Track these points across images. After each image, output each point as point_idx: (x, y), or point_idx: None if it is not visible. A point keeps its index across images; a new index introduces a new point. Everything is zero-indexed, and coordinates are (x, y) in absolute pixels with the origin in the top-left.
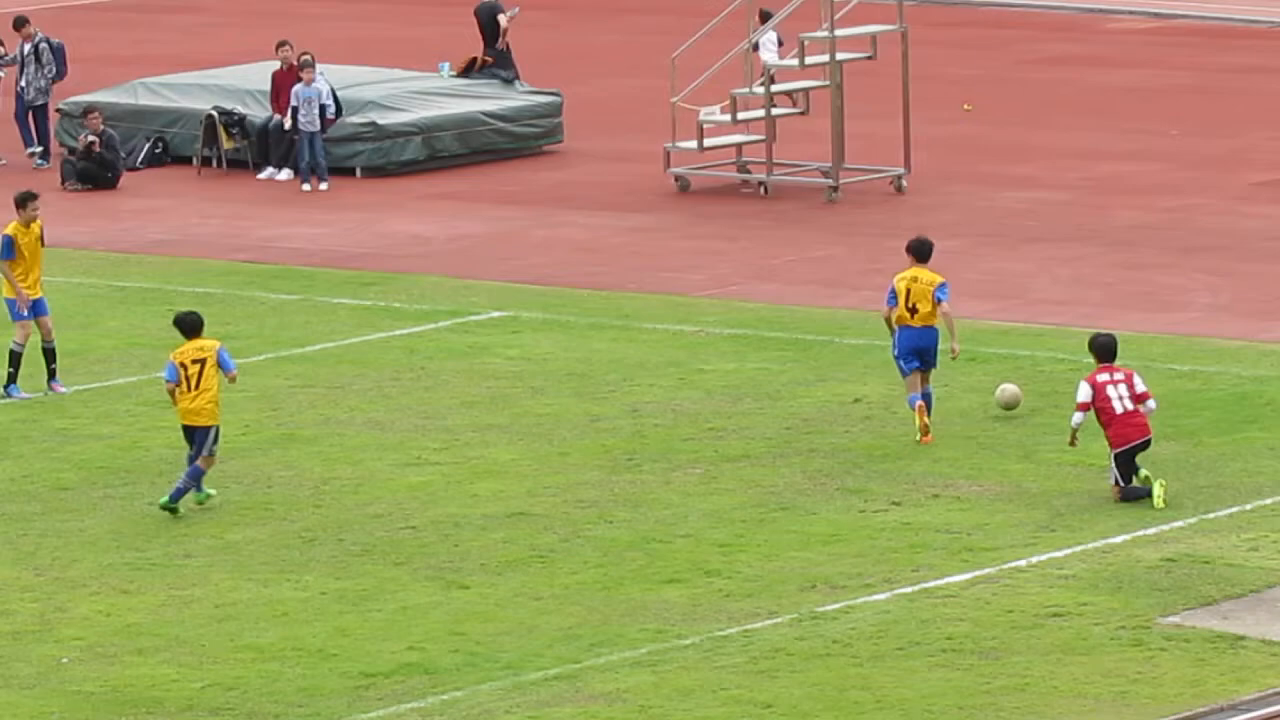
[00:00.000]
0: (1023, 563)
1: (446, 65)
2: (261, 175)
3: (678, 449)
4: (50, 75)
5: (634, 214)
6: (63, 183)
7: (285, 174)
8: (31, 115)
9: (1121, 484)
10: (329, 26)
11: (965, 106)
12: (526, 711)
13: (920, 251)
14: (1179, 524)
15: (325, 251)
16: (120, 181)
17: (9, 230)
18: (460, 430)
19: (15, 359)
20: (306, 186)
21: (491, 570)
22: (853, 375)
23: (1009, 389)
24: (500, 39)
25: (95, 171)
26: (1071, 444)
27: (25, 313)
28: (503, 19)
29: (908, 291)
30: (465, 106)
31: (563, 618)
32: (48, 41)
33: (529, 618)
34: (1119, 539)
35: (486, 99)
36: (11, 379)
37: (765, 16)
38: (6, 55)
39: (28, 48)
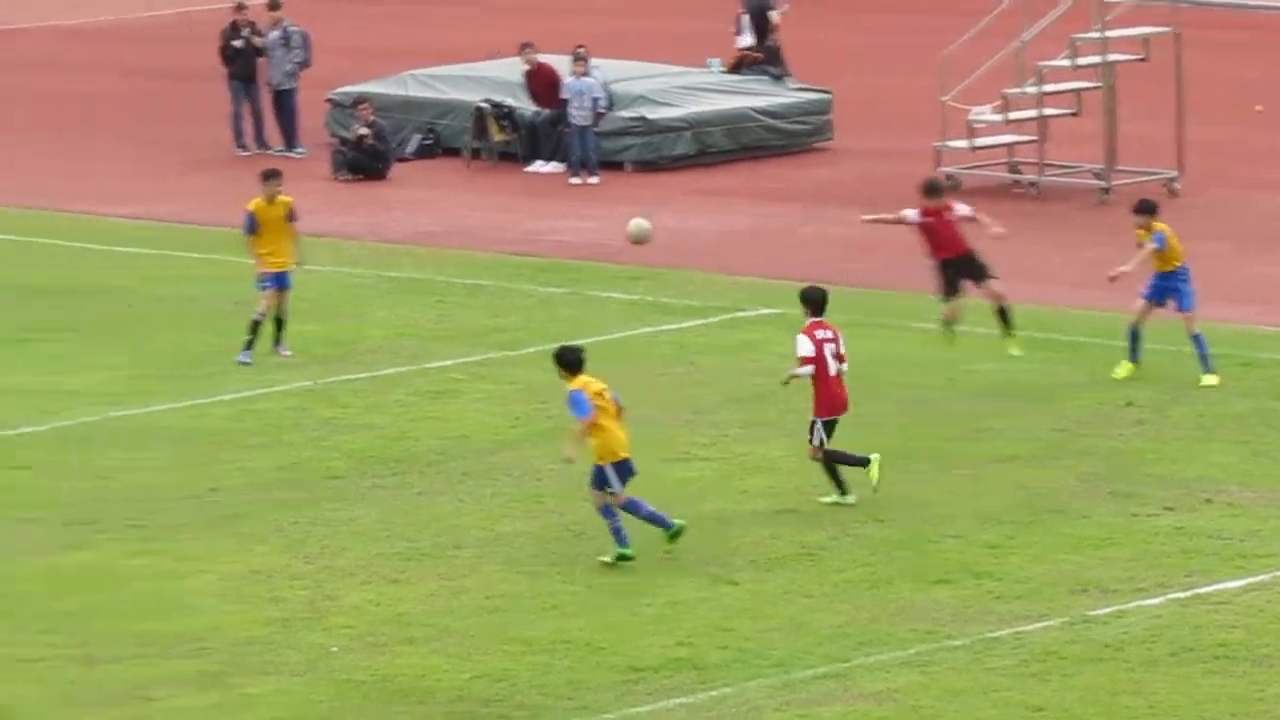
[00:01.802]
0: None
1: (717, 61)
2: (530, 168)
3: (946, 449)
4: (298, 60)
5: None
6: (333, 173)
7: (554, 167)
8: (277, 100)
9: (825, 445)
10: (595, 20)
11: (1257, 108)
12: (795, 710)
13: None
14: None
15: (593, 245)
16: (389, 172)
17: (251, 206)
18: (728, 426)
19: (253, 327)
20: (576, 180)
21: (760, 567)
22: (1126, 378)
23: (638, 223)
24: (771, 35)
25: (365, 162)
26: (786, 384)
27: (267, 283)
28: (774, 15)
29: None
30: (735, 103)
31: (831, 616)
32: (294, 28)
33: (797, 615)
34: None
35: (756, 95)
36: (247, 345)
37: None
38: (264, 46)
39: (275, 34)
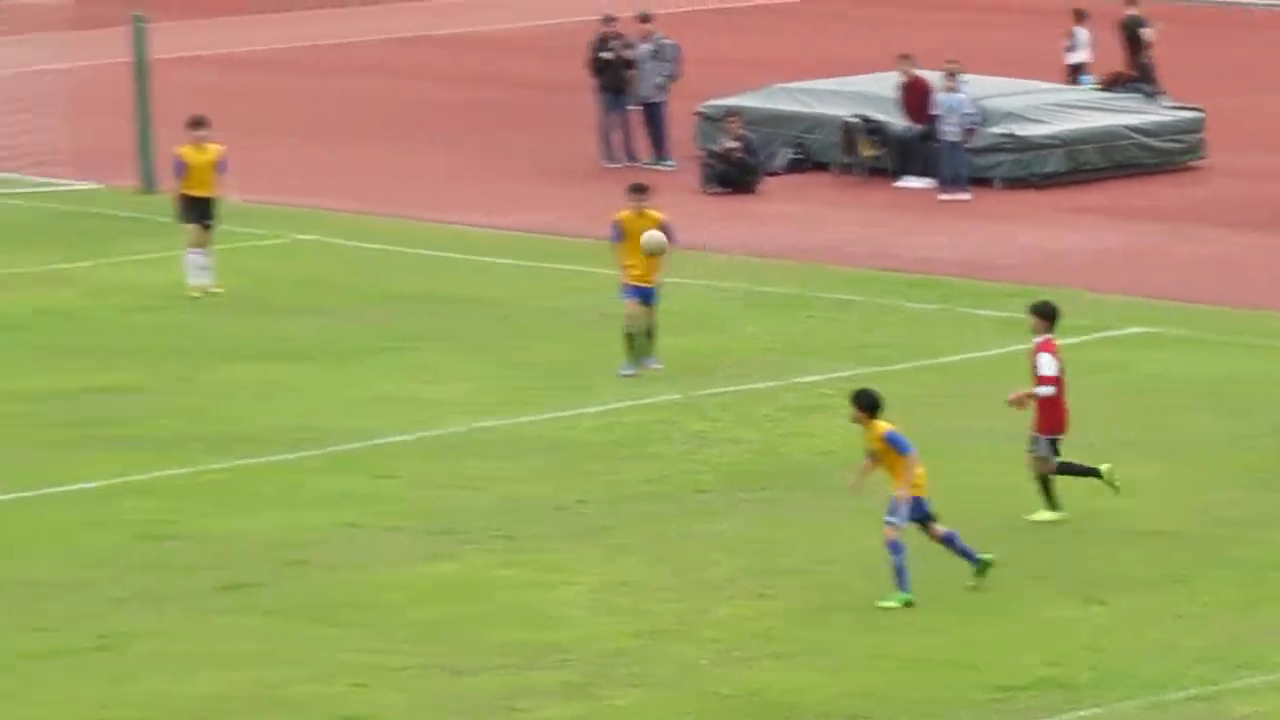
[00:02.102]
0: None
1: (1090, 78)
2: (899, 183)
3: None
4: (668, 73)
5: (1278, 233)
6: (703, 186)
7: (924, 182)
8: (647, 112)
9: (1054, 459)
10: (962, 35)
11: None
12: None
13: None
14: None
15: (965, 262)
16: (758, 186)
17: (619, 216)
18: (1099, 446)
19: (628, 339)
20: (946, 196)
21: (1129, 587)
22: None
23: (653, 235)
24: (1144, 53)
25: (734, 175)
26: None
27: (629, 294)
28: (1147, 33)
29: None
30: (1107, 120)
31: (1202, 637)
32: (666, 40)
33: (1168, 636)
34: None
35: (1128, 113)
36: (628, 359)
37: (1080, 16)
38: (634, 58)
39: (646, 46)
